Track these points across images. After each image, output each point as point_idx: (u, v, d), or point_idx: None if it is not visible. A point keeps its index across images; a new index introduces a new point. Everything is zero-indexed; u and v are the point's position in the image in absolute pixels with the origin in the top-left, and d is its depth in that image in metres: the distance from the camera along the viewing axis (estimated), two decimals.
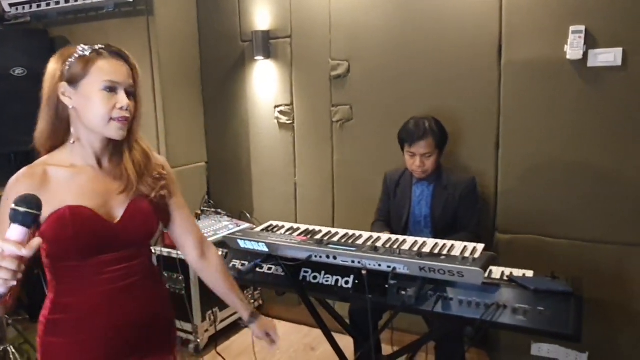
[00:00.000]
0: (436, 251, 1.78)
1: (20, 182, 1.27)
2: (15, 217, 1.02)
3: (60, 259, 1.32)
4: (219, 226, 3.30)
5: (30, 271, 1.12)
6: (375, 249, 1.80)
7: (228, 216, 3.49)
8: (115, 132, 1.32)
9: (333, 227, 3.19)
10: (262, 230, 2.17)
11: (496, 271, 1.97)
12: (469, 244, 1.83)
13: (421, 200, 2.49)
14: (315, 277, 2.05)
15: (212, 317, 3.17)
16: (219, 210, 3.52)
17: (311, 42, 3.10)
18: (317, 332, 2.63)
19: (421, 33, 2.75)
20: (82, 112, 1.30)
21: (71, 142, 1.34)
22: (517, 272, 1.95)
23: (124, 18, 3.23)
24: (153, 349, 1.50)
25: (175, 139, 3.35)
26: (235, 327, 3.40)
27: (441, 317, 1.81)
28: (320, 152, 3.18)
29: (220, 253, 2.29)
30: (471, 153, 2.73)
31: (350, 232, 2.07)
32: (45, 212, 1.17)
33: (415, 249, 1.81)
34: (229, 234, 2.09)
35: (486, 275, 1.89)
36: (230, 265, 2.21)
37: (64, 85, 1.29)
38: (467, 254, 1.72)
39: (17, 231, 1.02)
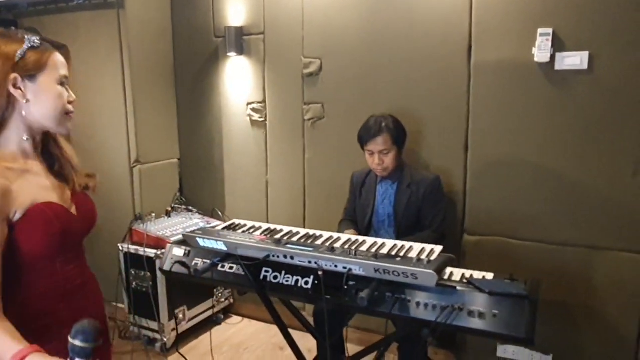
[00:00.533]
0: (393, 253, 1.76)
1: None
2: (73, 351, 0.99)
3: (44, 257, 1.25)
4: (189, 223, 3.26)
5: None
6: (332, 250, 1.78)
7: (200, 213, 3.45)
8: (65, 126, 1.32)
9: (304, 225, 3.19)
10: (224, 228, 2.13)
11: (457, 273, 1.95)
12: (427, 246, 1.81)
13: (385, 199, 2.48)
14: (275, 277, 2.02)
15: (181, 316, 3.13)
16: (191, 208, 3.48)
17: (284, 39, 3.07)
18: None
19: (393, 32, 2.74)
20: (38, 106, 1.26)
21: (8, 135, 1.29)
22: (478, 275, 1.94)
23: (94, 10, 3.17)
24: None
25: (146, 135, 3.30)
26: (204, 325, 3.37)
27: (399, 319, 1.80)
28: (291, 150, 3.15)
29: (183, 251, 2.29)
30: (440, 153, 2.72)
31: (312, 231, 2.04)
32: (20, 207, 1.16)
33: (374, 250, 1.79)
34: (188, 232, 2.05)
35: (446, 277, 1.89)
36: (192, 263, 2.18)
37: (16, 78, 1.23)
38: (423, 256, 1.71)
39: None
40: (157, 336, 3.08)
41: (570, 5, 2.31)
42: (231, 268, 2.13)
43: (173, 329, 3.10)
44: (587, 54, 2.30)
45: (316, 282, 1.90)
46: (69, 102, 1.33)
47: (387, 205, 2.48)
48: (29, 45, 1.26)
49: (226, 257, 2.02)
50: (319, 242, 1.92)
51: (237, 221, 2.23)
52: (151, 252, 2.97)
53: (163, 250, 2.84)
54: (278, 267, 1.98)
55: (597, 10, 2.27)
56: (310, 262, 1.80)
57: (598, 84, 2.31)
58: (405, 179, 2.45)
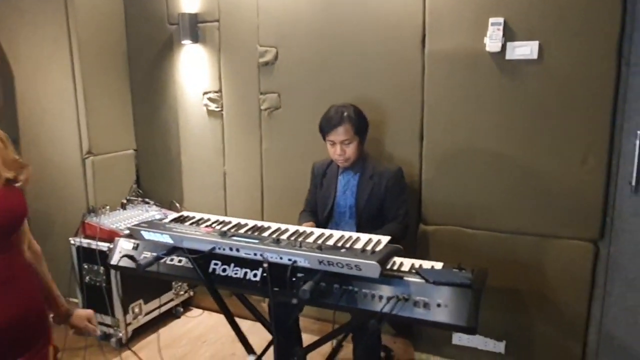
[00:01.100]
0: (339, 244, 1.75)
1: None
2: None
3: None
4: (146, 216, 3.19)
5: None
6: (277, 242, 1.75)
7: (157, 206, 3.37)
8: None
9: (262, 217, 3.16)
10: (172, 221, 2.09)
11: (407, 263, 1.95)
12: (374, 237, 1.81)
13: (346, 190, 2.45)
14: (224, 270, 1.99)
15: (137, 310, 3.07)
16: (147, 200, 3.40)
17: (239, 27, 3.00)
18: (247, 324, 2.58)
19: (348, 21, 2.71)
20: None
21: None
22: (427, 264, 1.94)
23: None
24: (26, 348, 1.41)
25: (99, 125, 3.19)
26: (164, 319, 3.32)
27: (346, 310, 1.79)
28: (248, 141, 3.10)
29: (132, 244, 2.23)
30: (397, 143, 2.72)
31: (261, 223, 2.02)
32: None
33: (320, 241, 1.78)
34: (133, 225, 2.00)
35: (396, 267, 1.89)
36: (142, 257, 2.12)
37: None
38: (369, 247, 1.70)
39: None
40: (112, 331, 3.01)
41: None
42: (180, 261, 2.09)
43: (129, 324, 3.03)
44: (537, 43, 2.31)
45: (264, 274, 1.88)
46: None
47: (348, 197, 2.46)
48: None
49: (172, 250, 1.98)
50: (266, 233, 1.90)
51: (186, 213, 2.18)
52: (104, 246, 2.89)
53: None
54: (227, 259, 1.95)
55: (546, 1, 2.28)
56: (255, 255, 1.78)
57: (548, 74, 2.33)
58: (368, 170, 2.42)
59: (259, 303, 2.94)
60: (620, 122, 2.26)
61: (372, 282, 1.72)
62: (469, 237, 2.61)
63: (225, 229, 1.94)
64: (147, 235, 1.96)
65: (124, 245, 2.24)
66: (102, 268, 2.94)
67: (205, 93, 3.19)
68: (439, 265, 1.94)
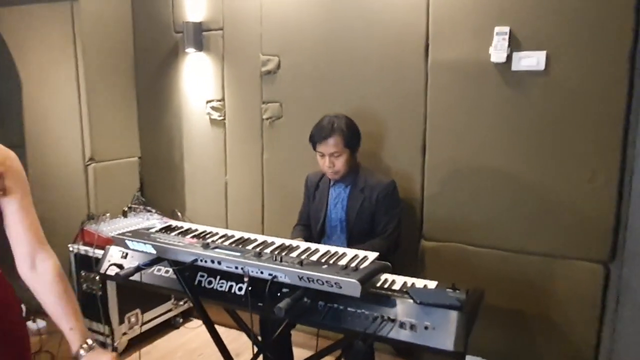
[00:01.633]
0: (323, 260, 1.67)
1: None
2: None
3: None
4: (146, 224, 3.15)
5: None
6: (258, 255, 1.68)
7: (159, 214, 3.35)
8: None
9: (262, 227, 3.10)
10: (158, 230, 2.04)
11: (399, 281, 1.86)
12: (361, 253, 1.72)
13: (337, 203, 2.38)
14: (210, 282, 1.94)
15: (134, 320, 3.03)
16: (149, 208, 3.38)
17: (243, 35, 2.97)
18: (245, 338, 2.52)
19: (350, 30, 2.65)
20: None
21: None
22: (420, 283, 1.85)
23: (48, 3, 3.07)
24: None
25: (102, 132, 3.19)
26: (162, 329, 3.27)
27: (330, 328, 1.71)
28: (250, 150, 3.06)
29: (121, 253, 2.19)
30: (399, 156, 2.63)
31: (247, 235, 1.95)
32: None
33: (304, 256, 1.70)
34: (117, 234, 1.96)
35: (387, 285, 1.80)
36: (129, 266, 2.08)
37: None
38: (353, 264, 1.61)
39: None
40: (108, 340, 2.97)
41: (527, 3, 2.23)
42: (167, 272, 2.05)
43: (124, 333, 2.99)
44: (544, 54, 2.21)
45: (250, 288, 1.81)
46: None
47: (339, 210, 2.38)
48: None
49: (156, 260, 1.93)
50: (250, 246, 1.83)
51: (174, 223, 2.14)
52: (101, 254, 2.85)
53: None
54: (212, 272, 1.90)
55: (554, 10, 2.18)
56: (237, 268, 1.71)
57: (555, 85, 2.22)
58: (359, 183, 2.35)
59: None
60: (632, 137, 2.13)
61: (358, 300, 1.64)
62: (472, 255, 2.50)
63: (209, 240, 1.88)
64: (131, 244, 1.92)
65: (114, 254, 2.21)
66: (98, 276, 2.91)
67: (208, 102, 3.17)
68: (432, 284, 1.84)
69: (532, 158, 2.32)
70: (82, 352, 1.32)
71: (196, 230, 2.04)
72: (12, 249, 1.38)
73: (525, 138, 2.32)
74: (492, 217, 2.43)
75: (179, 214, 3.38)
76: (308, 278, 1.55)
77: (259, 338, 2.31)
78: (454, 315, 1.55)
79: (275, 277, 1.62)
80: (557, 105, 2.23)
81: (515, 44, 2.25)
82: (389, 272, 1.78)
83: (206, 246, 1.79)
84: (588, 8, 2.12)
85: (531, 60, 2.24)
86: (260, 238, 1.92)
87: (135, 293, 3.01)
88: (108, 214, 3.14)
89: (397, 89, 2.58)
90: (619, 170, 2.17)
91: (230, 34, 3.02)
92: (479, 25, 2.32)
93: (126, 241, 1.92)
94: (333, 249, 1.78)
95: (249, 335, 2.16)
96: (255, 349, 2.09)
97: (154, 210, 3.37)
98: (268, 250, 1.76)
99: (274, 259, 1.65)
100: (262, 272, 1.65)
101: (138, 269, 1.88)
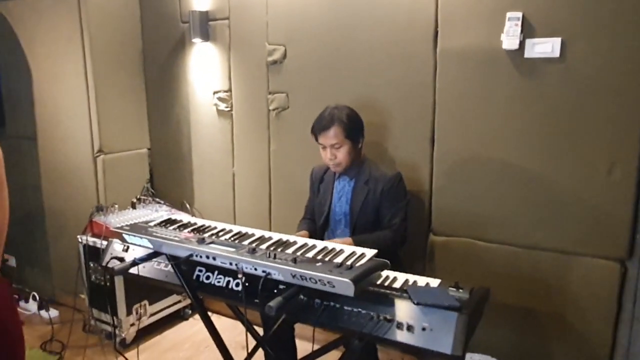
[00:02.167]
0: (319, 257, 1.61)
1: None
2: None
3: None
4: (154, 216, 3.14)
5: None
6: (253, 252, 1.64)
7: (167, 206, 3.34)
8: None
9: (269, 220, 3.06)
10: (158, 224, 2.02)
11: (401, 278, 1.80)
12: (359, 250, 1.66)
13: (342, 196, 2.32)
14: (208, 277, 1.92)
15: (141, 311, 3.04)
16: (158, 200, 3.37)
17: (249, 25, 2.91)
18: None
19: (357, 18, 2.56)
20: None
21: None
22: (422, 281, 1.79)
23: None
24: None
25: (110, 123, 3.18)
26: (170, 320, 3.28)
27: (326, 327, 1.66)
28: (257, 142, 3.01)
29: (123, 246, 2.18)
30: (407, 146, 2.54)
31: (245, 230, 1.92)
32: None
33: (300, 253, 1.65)
34: (115, 228, 1.94)
35: (387, 283, 1.74)
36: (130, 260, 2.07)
37: None
38: (349, 262, 1.56)
39: None
40: (116, 331, 2.99)
41: None
42: (167, 266, 2.03)
43: (132, 324, 3.01)
44: (559, 40, 2.09)
45: (247, 284, 1.78)
46: None
47: (343, 204, 2.32)
48: None
49: (153, 254, 1.91)
50: (247, 242, 1.79)
51: (173, 217, 2.11)
52: None
53: None
54: (210, 267, 1.87)
55: None
56: (231, 264, 1.67)
57: (571, 74, 2.10)
58: (363, 175, 2.28)
59: None
60: None
61: (355, 299, 1.58)
62: (482, 250, 2.41)
63: (205, 235, 1.84)
64: (129, 238, 1.90)
65: (116, 247, 2.20)
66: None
67: (215, 92, 3.13)
68: (435, 282, 1.77)
69: (546, 149, 2.21)
70: None
71: (195, 224, 2.01)
72: None
73: (539, 128, 2.21)
74: (503, 211, 2.34)
75: (188, 205, 3.36)
76: (301, 276, 1.50)
77: (262, 331, 2.29)
78: (453, 316, 1.48)
79: (268, 274, 1.58)
80: (572, 94, 2.11)
81: (528, 30, 2.14)
82: (389, 269, 1.72)
83: (201, 241, 1.76)
84: None
85: (545, 47, 2.12)
86: (258, 233, 1.88)
87: (143, 285, 3.00)
88: (117, 206, 3.14)
89: (405, 78, 2.48)
90: (638, 162, 2.04)
91: (236, 24, 2.96)
92: (490, 10, 2.21)
93: (124, 235, 1.90)
94: (331, 245, 1.73)
95: (249, 330, 2.15)
96: (254, 344, 2.06)
97: (163, 202, 3.36)
98: (264, 246, 1.72)
99: (268, 255, 1.61)
100: (255, 269, 1.61)
101: (134, 263, 1.86)
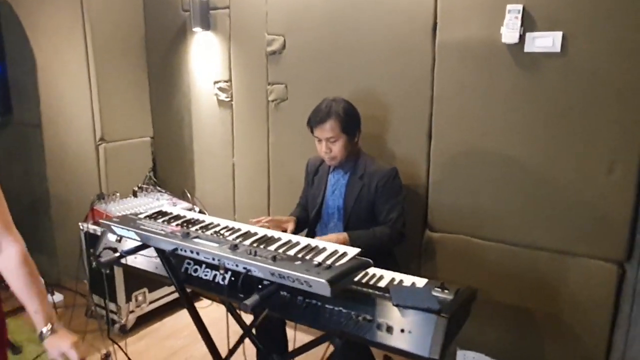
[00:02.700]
0: (300, 255, 1.60)
1: None
2: None
3: None
4: (154, 205, 3.17)
5: None
6: (235, 248, 1.63)
7: (169, 194, 3.36)
8: None
9: (268, 210, 3.06)
10: (148, 216, 2.02)
11: (387, 277, 1.78)
12: (341, 248, 1.64)
13: (335, 190, 2.29)
14: (195, 270, 1.93)
15: (141, 298, 3.08)
16: (160, 188, 3.40)
17: (249, 14, 2.88)
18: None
19: (357, 9, 2.51)
20: None
21: None
22: (408, 280, 1.76)
23: None
24: None
25: (112, 111, 3.20)
26: (171, 308, 3.32)
27: (308, 324, 1.66)
28: (256, 133, 3.00)
29: (116, 237, 2.19)
30: (403, 140, 2.50)
31: (233, 224, 1.90)
32: None
33: (281, 250, 1.64)
34: (104, 220, 1.95)
35: (372, 281, 1.72)
36: (122, 250, 2.08)
37: None
38: (329, 261, 1.54)
39: None
40: (115, 318, 3.04)
41: None
42: (157, 257, 2.04)
43: (132, 311, 3.05)
44: (560, 34, 2.02)
45: (232, 278, 1.78)
46: None
47: (337, 197, 2.30)
48: None
49: (140, 247, 1.92)
50: (232, 237, 1.78)
51: (164, 209, 2.11)
52: None
53: None
54: (198, 260, 1.87)
55: None
56: (213, 259, 1.67)
57: (572, 69, 2.03)
58: (359, 170, 2.25)
59: None
60: None
61: (340, 298, 1.58)
62: (478, 248, 2.38)
63: (192, 229, 1.84)
64: (117, 230, 1.91)
65: (110, 237, 2.22)
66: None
67: (215, 82, 3.11)
68: (422, 281, 1.74)
69: (546, 146, 2.15)
70: (45, 332, 1.41)
71: (184, 217, 2.01)
72: None
73: (539, 125, 2.15)
74: (500, 209, 2.29)
75: (189, 195, 3.38)
76: (279, 274, 1.49)
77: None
78: (432, 318, 1.46)
79: (249, 270, 1.57)
80: (573, 89, 2.05)
81: (529, 23, 2.07)
82: (382, 266, 1.71)
83: (186, 236, 1.76)
84: None
85: (546, 41, 2.05)
86: (245, 228, 1.87)
87: (142, 272, 3.05)
88: (118, 194, 3.17)
89: (403, 71, 2.44)
90: (639, 161, 1.98)
91: (236, 13, 2.93)
92: (490, 2, 2.14)
93: (112, 227, 1.91)
94: (314, 242, 1.71)
95: (237, 321, 2.17)
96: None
97: (164, 191, 3.39)
98: (247, 242, 1.71)
99: (249, 252, 1.59)
100: (237, 265, 1.60)
101: (120, 256, 1.88)
